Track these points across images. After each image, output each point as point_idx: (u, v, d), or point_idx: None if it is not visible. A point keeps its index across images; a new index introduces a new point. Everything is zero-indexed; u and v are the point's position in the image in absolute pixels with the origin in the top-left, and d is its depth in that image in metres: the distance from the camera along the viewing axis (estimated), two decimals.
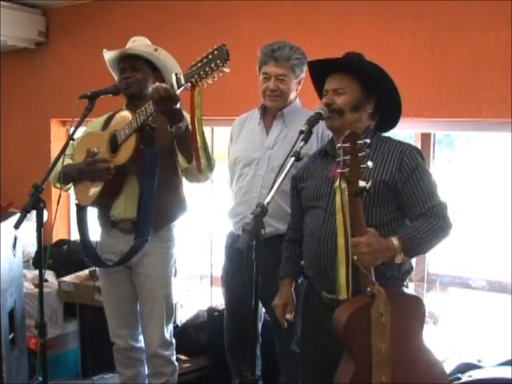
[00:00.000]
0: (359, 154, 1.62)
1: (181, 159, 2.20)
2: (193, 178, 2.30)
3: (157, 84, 2.04)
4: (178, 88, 1.98)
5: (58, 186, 2.24)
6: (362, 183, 1.63)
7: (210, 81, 1.91)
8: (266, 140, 2.40)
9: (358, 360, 1.66)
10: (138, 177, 2.25)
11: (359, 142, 1.61)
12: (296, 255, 2.07)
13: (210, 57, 1.88)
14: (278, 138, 2.39)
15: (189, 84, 1.95)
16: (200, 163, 2.06)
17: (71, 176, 2.31)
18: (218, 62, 1.86)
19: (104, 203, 2.33)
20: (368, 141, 1.63)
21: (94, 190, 2.27)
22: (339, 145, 1.64)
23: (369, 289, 1.67)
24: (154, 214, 2.23)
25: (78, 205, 2.42)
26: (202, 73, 1.89)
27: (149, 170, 2.17)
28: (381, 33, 2.82)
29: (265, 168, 2.36)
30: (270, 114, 2.44)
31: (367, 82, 1.88)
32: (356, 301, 1.69)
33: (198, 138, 1.99)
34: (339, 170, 1.65)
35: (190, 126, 2.07)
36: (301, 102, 2.47)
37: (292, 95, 2.39)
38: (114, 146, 2.24)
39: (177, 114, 2.06)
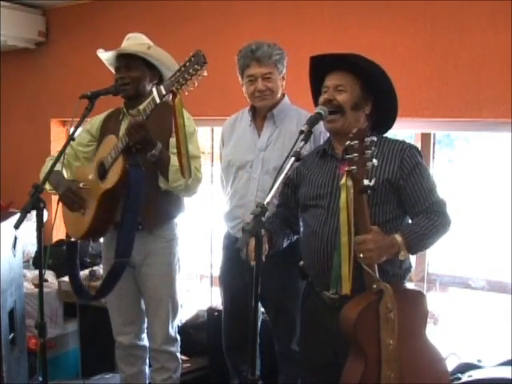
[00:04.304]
0: (366, 152, 1.62)
1: (160, 180, 2.22)
2: (178, 194, 2.33)
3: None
4: (161, 99, 2.02)
5: (46, 187, 2.25)
6: (365, 181, 1.64)
7: (190, 87, 1.96)
8: (258, 142, 2.40)
9: (367, 358, 1.66)
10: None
11: (366, 139, 1.62)
12: (278, 225, 2.05)
13: (187, 64, 1.93)
14: (270, 139, 2.38)
15: (170, 94, 1.99)
16: (185, 169, 2.07)
17: (51, 184, 2.28)
18: (196, 66, 1.91)
19: (99, 231, 2.31)
20: (375, 138, 1.64)
21: (87, 218, 2.23)
22: (348, 142, 1.65)
23: (375, 286, 1.68)
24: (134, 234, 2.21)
25: (68, 241, 2.41)
26: (181, 80, 1.94)
27: (133, 191, 2.15)
28: (381, 33, 2.82)
29: (259, 171, 2.35)
30: (260, 115, 2.44)
31: (367, 82, 1.88)
32: (363, 298, 1.70)
33: (182, 145, 2.03)
34: (346, 168, 1.66)
35: (163, 150, 2.15)
36: (290, 100, 2.47)
37: (279, 93, 2.39)
38: (103, 172, 2.23)
39: (148, 143, 2.12)
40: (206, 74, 1.93)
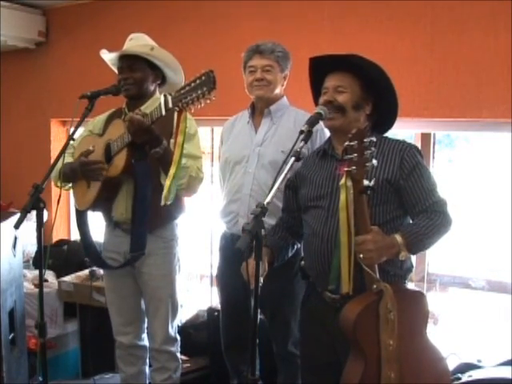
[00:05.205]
0: (365, 152, 1.62)
1: (162, 178, 2.20)
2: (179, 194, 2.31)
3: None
4: (166, 111, 2.01)
5: (59, 184, 2.26)
6: (365, 182, 1.64)
7: (197, 106, 1.93)
8: (255, 137, 2.42)
9: (367, 358, 1.66)
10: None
11: (365, 139, 1.62)
12: (283, 236, 2.07)
13: (197, 82, 1.89)
14: (266, 135, 2.40)
15: (176, 108, 1.98)
16: (166, 190, 2.04)
17: (67, 175, 2.31)
18: (205, 89, 1.86)
19: (103, 206, 2.35)
20: (374, 139, 1.63)
21: (90, 196, 2.30)
22: (347, 143, 1.64)
23: (375, 286, 1.68)
24: (148, 222, 2.25)
25: (77, 209, 2.44)
26: (188, 98, 1.91)
27: (140, 184, 2.19)
28: (381, 33, 2.82)
29: (255, 165, 2.37)
30: (258, 113, 2.46)
31: (367, 83, 1.88)
32: (363, 299, 1.70)
33: (173, 166, 2.00)
34: (346, 169, 1.66)
35: (168, 148, 2.13)
36: (289, 101, 2.48)
37: (278, 89, 2.41)
38: (109, 155, 2.25)
39: (153, 141, 2.11)
40: (213, 98, 1.89)
